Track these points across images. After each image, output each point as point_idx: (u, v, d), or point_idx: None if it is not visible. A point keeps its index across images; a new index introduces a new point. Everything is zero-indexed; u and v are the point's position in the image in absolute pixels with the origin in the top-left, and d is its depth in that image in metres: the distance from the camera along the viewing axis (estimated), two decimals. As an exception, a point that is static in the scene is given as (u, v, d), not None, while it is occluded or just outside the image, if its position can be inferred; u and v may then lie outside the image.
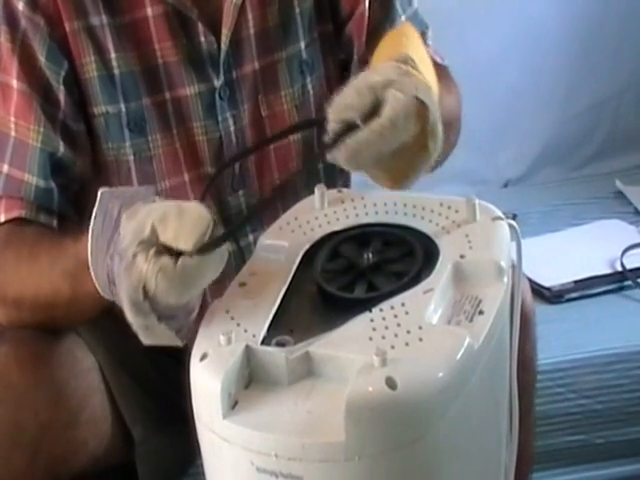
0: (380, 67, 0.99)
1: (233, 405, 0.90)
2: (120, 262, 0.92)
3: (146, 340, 0.94)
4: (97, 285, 0.98)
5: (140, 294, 0.89)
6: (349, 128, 0.94)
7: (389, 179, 1.02)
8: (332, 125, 0.96)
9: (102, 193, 0.98)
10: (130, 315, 0.91)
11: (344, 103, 0.96)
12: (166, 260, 0.88)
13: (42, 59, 1.17)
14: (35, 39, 1.17)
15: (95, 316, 1.12)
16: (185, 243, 0.89)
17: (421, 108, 0.96)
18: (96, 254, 0.97)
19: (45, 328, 1.13)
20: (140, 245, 0.90)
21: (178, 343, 0.95)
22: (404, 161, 0.99)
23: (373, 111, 0.95)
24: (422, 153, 0.99)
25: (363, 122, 0.94)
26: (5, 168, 1.17)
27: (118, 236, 0.93)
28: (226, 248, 0.93)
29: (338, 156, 0.95)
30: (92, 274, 0.98)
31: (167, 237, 0.89)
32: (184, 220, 0.90)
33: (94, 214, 0.97)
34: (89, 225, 0.98)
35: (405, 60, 1.01)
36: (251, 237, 1.22)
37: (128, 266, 0.90)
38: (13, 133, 1.17)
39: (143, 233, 0.90)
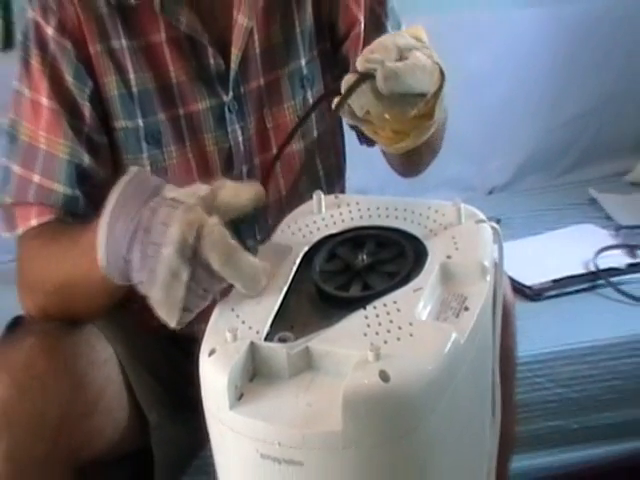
0: (403, 34, 1.01)
1: (239, 397, 0.88)
2: (172, 207, 0.89)
3: (157, 294, 0.90)
4: (100, 250, 0.95)
5: (193, 232, 0.87)
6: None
7: (391, 137, 1.03)
8: (358, 65, 0.98)
9: (137, 168, 0.97)
10: (170, 252, 0.87)
11: (372, 56, 0.97)
12: (225, 230, 0.89)
13: (69, 79, 1.17)
14: (63, 61, 1.16)
15: (107, 306, 1.11)
16: (242, 204, 0.91)
17: (438, 74, 0.99)
18: (114, 215, 0.93)
19: (67, 316, 1.11)
20: (202, 200, 0.89)
21: (173, 322, 0.91)
22: (410, 121, 1.01)
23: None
24: (427, 118, 1.01)
25: None
26: (36, 178, 1.17)
27: (161, 198, 0.91)
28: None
29: (378, 79, 0.95)
30: (101, 237, 0.94)
31: (224, 199, 0.90)
32: (242, 189, 0.92)
33: (123, 181, 0.94)
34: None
35: (420, 38, 1.03)
36: (258, 237, 1.21)
37: (187, 209, 0.88)
38: (43, 146, 1.17)
39: (202, 191, 0.90)
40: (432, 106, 1.02)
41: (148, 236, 0.90)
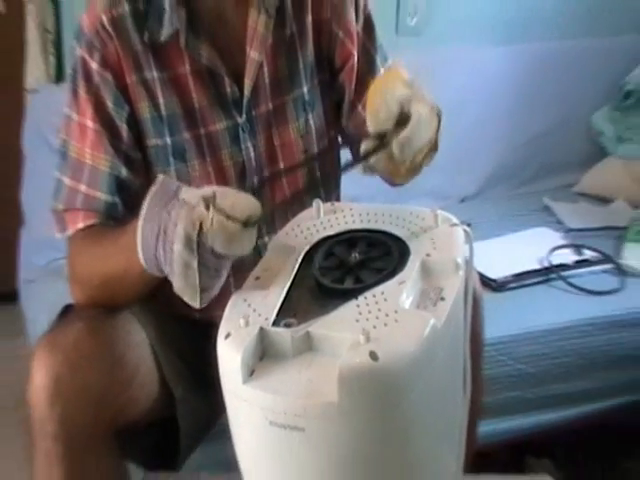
0: (401, 83, 1.00)
1: (250, 374, 0.88)
2: (180, 208, 0.91)
3: (178, 283, 0.93)
4: (140, 249, 0.96)
5: (196, 229, 0.89)
6: (383, 136, 0.97)
7: (404, 176, 1.03)
8: (372, 129, 0.98)
9: (162, 177, 0.98)
10: (179, 248, 0.90)
11: (379, 117, 0.97)
12: (222, 217, 0.89)
13: (110, 105, 1.15)
14: (105, 90, 1.15)
15: (143, 294, 1.11)
16: (240, 213, 0.90)
17: (435, 115, 0.99)
18: (146, 219, 0.95)
19: (109, 304, 1.11)
20: (203, 200, 0.90)
21: (196, 303, 0.94)
22: (418, 157, 1.00)
23: (401, 119, 0.97)
24: (432, 151, 1.01)
25: (394, 129, 0.97)
26: (83, 188, 1.16)
27: (176, 200, 0.93)
28: (256, 234, 0.93)
29: (394, 149, 0.97)
30: (139, 239, 0.96)
31: (225, 204, 0.90)
32: (241, 198, 0.92)
33: (152, 190, 0.96)
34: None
35: (414, 81, 1.03)
36: (266, 238, 1.20)
37: (190, 209, 0.90)
38: (89, 161, 1.16)
39: (206, 193, 0.91)
40: (435, 141, 1.01)
41: (165, 236, 0.92)
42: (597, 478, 1.75)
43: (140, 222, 0.96)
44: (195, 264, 0.90)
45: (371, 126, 0.98)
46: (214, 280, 0.93)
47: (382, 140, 0.97)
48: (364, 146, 0.99)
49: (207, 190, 0.92)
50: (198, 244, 0.89)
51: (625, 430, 1.76)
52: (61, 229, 1.17)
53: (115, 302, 1.12)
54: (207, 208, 0.89)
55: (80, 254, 1.14)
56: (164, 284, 0.99)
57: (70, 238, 1.16)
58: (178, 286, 0.93)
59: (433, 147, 1.01)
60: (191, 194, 0.92)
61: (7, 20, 2.19)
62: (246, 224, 0.90)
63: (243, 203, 0.91)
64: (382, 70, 1.26)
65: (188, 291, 0.93)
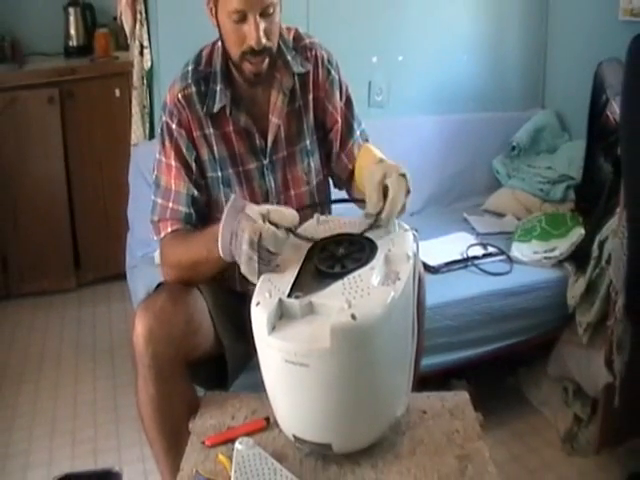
0: (375, 168, 0.99)
1: (273, 328, 0.86)
2: (247, 221, 0.93)
3: (243, 268, 0.93)
4: (220, 244, 0.96)
5: (257, 236, 0.91)
6: (379, 213, 0.98)
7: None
8: (371, 211, 0.98)
9: (233, 196, 0.99)
10: (245, 247, 0.92)
11: (373, 202, 0.97)
12: (274, 228, 0.92)
13: (184, 151, 1.13)
14: (181, 141, 1.13)
15: (214, 275, 1.08)
16: (286, 223, 0.93)
17: (402, 178, 0.98)
18: (225, 224, 0.96)
19: (190, 281, 1.09)
20: (261, 216, 0.93)
21: (255, 281, 0.93)
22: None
23: (385, 193, 0.97)
24: (401, 212, 1.00)
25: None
26: (170, 205, 1.13)
27: (243, 214, 0.94)
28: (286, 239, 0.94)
29: (382, 222, 0.97)
30: (220, 237, 0.96)
31: (276, 218, 0.93)
32: (287, 212, 0.95)
33: (228, 205, 0.96)
34: (223, 212, 0.97)
35: (382, 160, 1.05)
36: None
37: (253, 222, 0.92)
38: (173, 187, 1.13)
39: (263, 211, 0.93)
40: (404, 205, 0.99)
41: (236, 237, 0.94)
42: (493, 390, 1.74)
43: (221, 226, 0.96)
44: (255, 257, 0.92)
45: (370, 208, 0.97)
46: (267, 267, 0.93)
47: (378, 216, 0.97)
48: (367, 220, 0.98)
49: (263, 208, 0.94)
50: (258, 245, 0.91)
51: (510, 360, 1.78)
52: (157, 233, 1.15)
53: (194, 280, 1.09)
54: (264, 221, 0.91)
55: (171, 248, 1.11)
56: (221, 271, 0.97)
57: (162, 239, 1.14)
58: (243, 270, 0.93)
59: (402, 209, 1.00)
60: (254, 212, 0.94)
61: (121, 101, 2.25)
62: (290, 230, 0.93)
63: (288, 216, 0.94)
64: (357, 132, 1.23)
65: (249, 273, 0.93)
